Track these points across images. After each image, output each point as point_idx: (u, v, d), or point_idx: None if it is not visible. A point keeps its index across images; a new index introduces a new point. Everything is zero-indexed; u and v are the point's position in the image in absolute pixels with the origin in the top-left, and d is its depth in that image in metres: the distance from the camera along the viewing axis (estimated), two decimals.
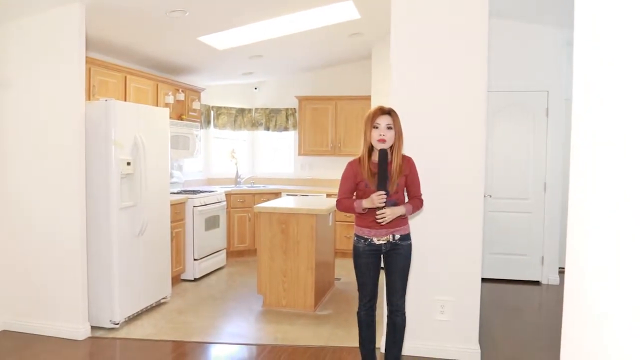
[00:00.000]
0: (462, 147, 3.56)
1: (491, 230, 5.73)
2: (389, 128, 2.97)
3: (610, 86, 1.14)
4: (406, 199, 3.15)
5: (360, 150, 3.10)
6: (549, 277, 5.78)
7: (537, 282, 5.81)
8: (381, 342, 3.60)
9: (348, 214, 3.24)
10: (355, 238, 3.13)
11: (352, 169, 3.10)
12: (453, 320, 3.63)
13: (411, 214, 3.10)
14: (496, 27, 5.43)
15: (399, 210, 2.97)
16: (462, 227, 3.59)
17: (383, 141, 2.95)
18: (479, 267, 3.62)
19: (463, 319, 3.61)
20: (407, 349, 3.56)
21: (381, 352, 3.54)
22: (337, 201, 3.15)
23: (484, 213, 3.68)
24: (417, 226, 3.32)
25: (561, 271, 5.79)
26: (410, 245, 3.11)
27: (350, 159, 3.23)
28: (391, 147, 3.00)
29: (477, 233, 3.59)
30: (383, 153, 2.93)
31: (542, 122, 5.72)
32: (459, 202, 3.59)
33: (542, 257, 5.79)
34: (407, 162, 3.08)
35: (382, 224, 2.96)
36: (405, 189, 3.12)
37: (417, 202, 3.11)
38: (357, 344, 3.35)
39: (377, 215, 2.93)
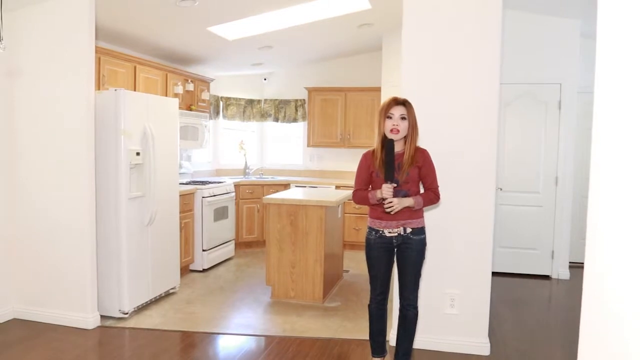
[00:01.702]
0: (474, 139, 3.52)
1: (501, 224, 5.69)
2: (403, 118, 2.94)
3: (634, 82, 1.10)
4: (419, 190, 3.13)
5: (373, 142, 3.08)
6: (559, 271, 5.73)
7: (547, 277, 5.76)
8: (391, 335, 3.59)
9: (358, 206, 3.21)
10: (368, 230, 3.12)
11: (367, 159, 3.08)
12: (463, 314, 3.60)
13: (423, 206, 3.05)
14: (509, 18, 5.36)
15: (407, 201, 2.95)
16: (473, 220, 3.55)
17: (396, 131, 2.93)
18: (489, 260, 3.58)
19: (473, 313, 3.59)
20: (417, 342, 3.54)
21: (391, 345, 3.53)
22: (353, 193, 3.14)
23: (495, 206, 3.63)
24: (427, 219, 3.29)
25: (571, 266, 5.75)
26: (423, 240, 3.08)
27: (360, 150, 3.22)
28: (405, 137, 2.98)
29: (488, 226, 3.55)
30: (389, 143, 2.91)
31: (555, 115, 5.64)
32: (470, 195, 3.55)
33: (553, 252, 5.74)
34: (422, 153, 3.05)
35: (391, 213, 2.94)
36: (420, 181, 3.10)
37: (430, 195, 3.06)
38: (366, 336, 3.34)
39: (384, 204, 2.91)
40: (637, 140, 1.08)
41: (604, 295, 1.20)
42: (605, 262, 1.19)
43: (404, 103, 2.98)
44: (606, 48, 1.19)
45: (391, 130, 2.94)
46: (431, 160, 3.07)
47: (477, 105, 3.51)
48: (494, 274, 4.05)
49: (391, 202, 2.90)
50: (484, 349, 3.58)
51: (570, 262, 5.74)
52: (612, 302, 1.16)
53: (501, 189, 5.71)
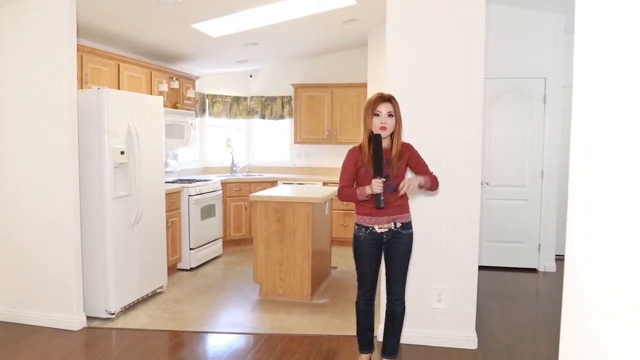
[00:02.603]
0: (459, 134, 3.53)
1: (488, 218, 5.72)
2: (390, 115, 2.94)
3: (612, 76, 1.10)
4: None
5: (360, 138, 3.07)
6: (545, 264, 5.78)
7: (534, 270, 5.82)
8: (379, 330, 3.60)
9: (345, 203, 3.18)
10: (356, 227, 3.10)
11: (353, 155, 3.07)
12: (450, 308, 3.62)
13: (430, 186, 3.06)
14: (494, 13, 5.39)
15: (419, 179, 2.97)
16: (459, 215, 3.57)
17: (384, 129, 2.93)
18: (476, 255, 3.60)
19: (460, 307, 3.61)
20: (404, 337, 3.55)
21: (378, 341, 3.53)
22: (339, 190, 3.10)
23: (481, 201, 3.65)
24: (414, 214, 3.29)
25: (558, 258, 5.80)
26: (411, 235, 3.10)
27: (347, 146, 3.21)
28: (392, 133, 2.98)
29: (474, 221, 3.56)
30: (377, 138, 2.90)
31: (540, 109, 5.68)
32: (456, 189, 3.56)
33: (539, 245, 5.79)
34: (407, 147, 3.07)
35: (407, 196, 2.94)
36: (409, 172, 3.11)
37: (433, 177, 3.09)
38: (354, 333, 3.34)
39: (400, 188, 2.91)
40: (615, 135, 1.08)
41: (584, 288, 1.21)
42: (585, 256, 1.19)
43: (390, 100, 2.98)
44: (584, 43, 1.19)
45: (379, 129, 2.93)
46: (416, 151, 3.11)
47: (462, 100, 3.52)
48: (481, 267, 4.08)
49: (406, 183, 2.90)
50: (472, 343, 3.60)
51: (556, 255, 5.80)
52: (591, 296, 1.17)
53: (487, 184, 5.74)
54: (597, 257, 1.16)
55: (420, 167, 3.11)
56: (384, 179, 2.90)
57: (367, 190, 2.92)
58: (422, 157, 3.16)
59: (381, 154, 2.91)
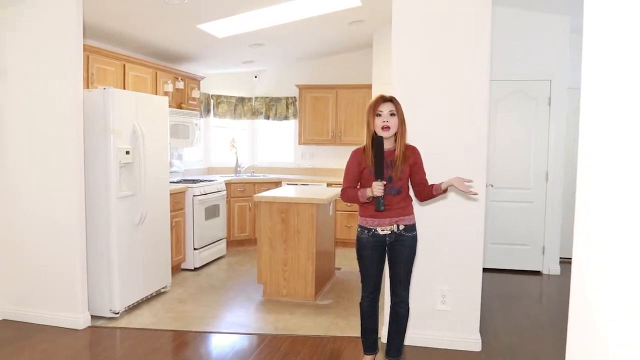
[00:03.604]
0: (464, 135, 3.52)
1: (493, 220, 5.71)
2: (392, 114, 2.94)
3: (620, 77, 1.10)
4: (409, 187, 3.13)
5: (364, 140, 3.07)
6: (550, 267, 5.76)
7: (538, 272, 5.80)
8: (382, 332, 3.59)
9: (349, 203, 3.18)
10: (359, 229, 3.11)
11: (357, 156, 3.06)
12: (454, 310, 3.61)
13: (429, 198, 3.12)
14: (499, 14, 5.38)
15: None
16: (464, 217, 3.56)
17: (387, 128, 2.92)
18: (480, 257, 3.59)
19: (464, 309, 3.60)
20: (408, 338, 3.55)
21: (382, 342, 3.53)
22: (342, 191, 3.10)
23: (486, 203, 3.65)
24: (418, 215, 3.29)
25: (562, 261, 5.79)
26: (415, 237, 3.09)
27: (351, 147, 3.21)
28: (395, 134, 2.97)
29: (478, 223, 3.56)
30: (378, 140, 2.90)
31: (545, 111, 5.67)
32: (460, 191, 3.54)
33: (543, 247, 5.77)
34: (412, 150, 3.06)
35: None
36: (409, 177, 3.09)
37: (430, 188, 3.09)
38: (357, 334, 3.35)
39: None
40: (623, 136, 1.08)
41: (586, 290, 1.20)
42: (593, 258, 1.19)
43: (392, 100, 2.98)
44: (593, 44, 1.19)
45: (382, 128, 2.93)
46: (421, 159, 3.09)
47: (468, 102, 3.51)
48: (485, 270, 4.06)
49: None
50: (476, 345, 3.59)
51: (560, 258, 5.78)
52: (593, 298, 1.17)
53: (492, 186, 5.73)
54: (597, 259, 1.16)
55: (419, 175, 3.08)
56: (385, 182, 2.90)
57: (368, 192, 2.92)
58: (429, 157, 3.15)
59: (382, 157, 2.91)
